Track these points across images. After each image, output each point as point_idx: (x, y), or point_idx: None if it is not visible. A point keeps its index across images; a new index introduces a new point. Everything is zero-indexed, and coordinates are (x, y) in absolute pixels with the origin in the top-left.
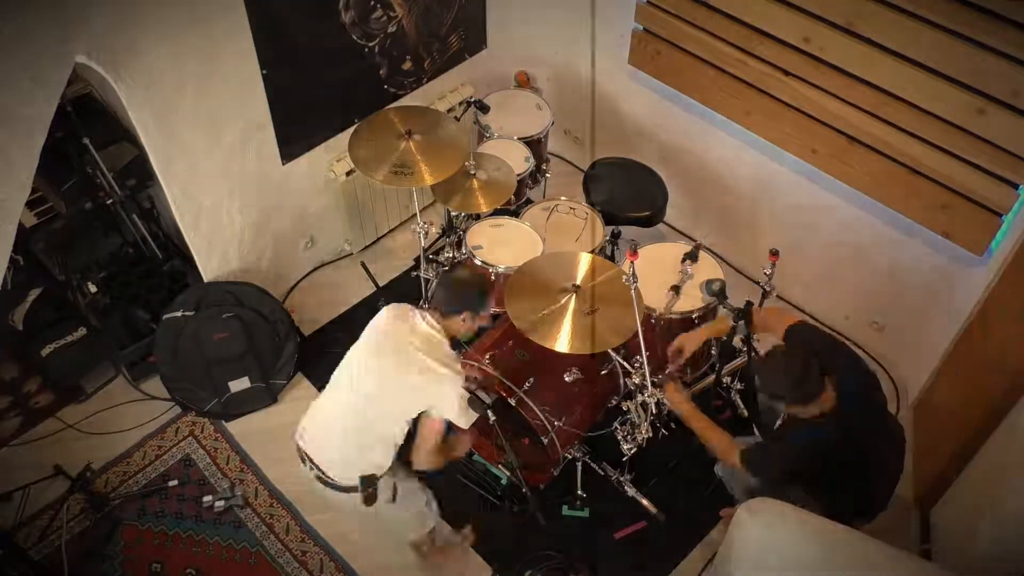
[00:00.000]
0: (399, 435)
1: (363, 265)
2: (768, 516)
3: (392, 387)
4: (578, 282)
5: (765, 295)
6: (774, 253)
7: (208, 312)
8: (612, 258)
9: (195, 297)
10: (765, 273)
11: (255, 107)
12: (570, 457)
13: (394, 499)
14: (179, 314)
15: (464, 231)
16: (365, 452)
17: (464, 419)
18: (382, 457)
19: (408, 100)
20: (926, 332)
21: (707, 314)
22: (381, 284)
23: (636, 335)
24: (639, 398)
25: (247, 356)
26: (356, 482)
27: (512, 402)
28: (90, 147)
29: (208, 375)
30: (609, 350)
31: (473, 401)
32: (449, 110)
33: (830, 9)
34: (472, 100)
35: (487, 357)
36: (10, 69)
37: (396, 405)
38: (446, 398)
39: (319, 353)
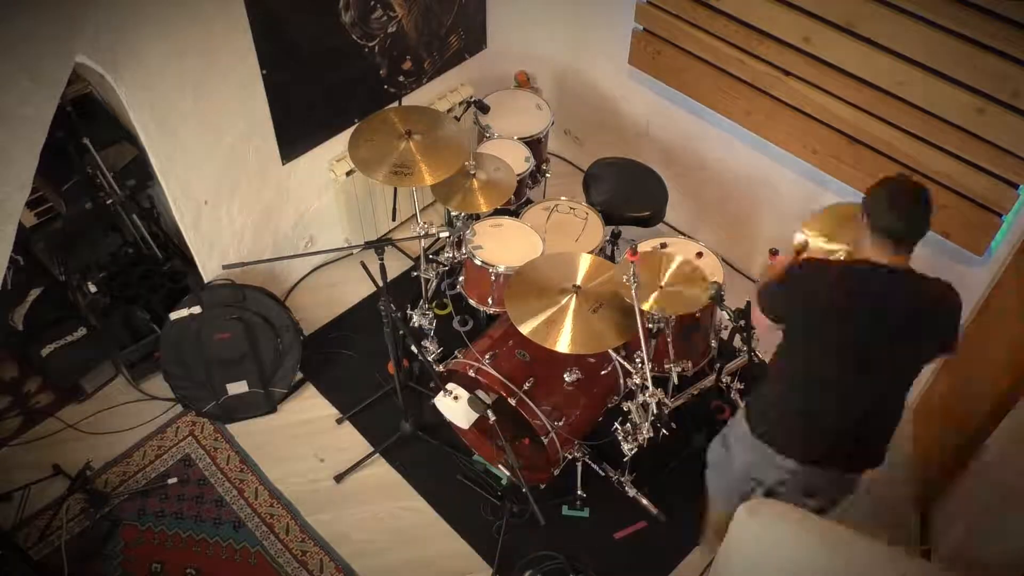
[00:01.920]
0: None
1: (363, 265)
2: (768, 516)
3: None
4: (578, 282)
5: None
6: (774, 253)
7: (214, 312)
8: (612, 258)
9: (205, 296)
10: None
11: (255, 107)
12: (570, 457)
13: None
14: (186, 312)
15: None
16: None
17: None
18: None
19: (408, 100)
20: None
21: (706, 310)
22: (381, 284)
23: (637, 335)
24: (640, 398)
25: (246, 360)
26: None
27: (512, 402)
28: (90, 147)
29: (207, 375)
30: (609, 350)
31: (473, 401)
32: (449, 110)
33: (830, 9)
34: (472, 100)
35: (487, 357)
36: (10, 69)
37: None
38: None
39: (320, 354)
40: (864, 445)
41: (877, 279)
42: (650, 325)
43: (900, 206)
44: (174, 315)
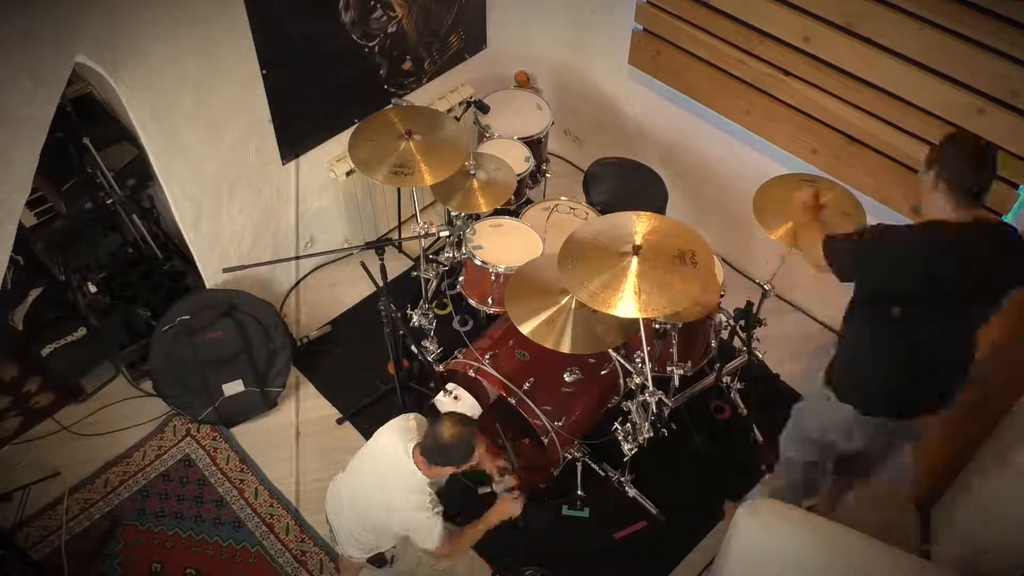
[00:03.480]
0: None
1: (363, 265)
2: (768, 516)
3: (373, 508)
4: None
5: (765, 295)
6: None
7: (201, 316)
8: None
9: (189, 305)
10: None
11: (255, 107)
12: (570, 457)
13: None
14: (175, 322)
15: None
16: (372, 535)
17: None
18: (388, 543)
19: (408, 100)
20: None
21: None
22: (381, 284)
23: (637, 335)
24: (640, 398)
25: (240, 357)
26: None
27: (512, 402)
28: (90, 147)
29: (201, 377)
30: (609, 350)
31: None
32: (449, 110)
33: (830, 9)
34: (472, 100)
35: (487, 357)
36: (10, 69)
37: (380, 521)
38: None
39: (319, 353)
40: (939, 389)
41: (955, 237)
42: (655, 326)
43: (975, 159)
44: (161, 328)
